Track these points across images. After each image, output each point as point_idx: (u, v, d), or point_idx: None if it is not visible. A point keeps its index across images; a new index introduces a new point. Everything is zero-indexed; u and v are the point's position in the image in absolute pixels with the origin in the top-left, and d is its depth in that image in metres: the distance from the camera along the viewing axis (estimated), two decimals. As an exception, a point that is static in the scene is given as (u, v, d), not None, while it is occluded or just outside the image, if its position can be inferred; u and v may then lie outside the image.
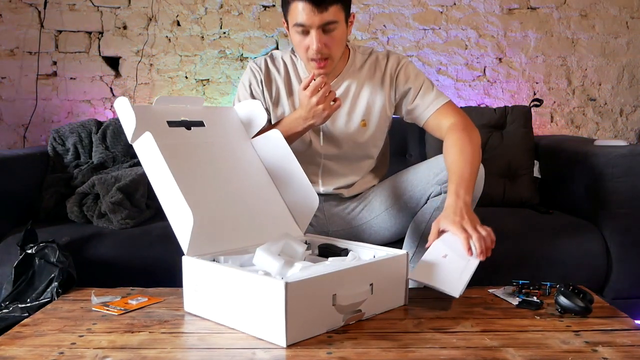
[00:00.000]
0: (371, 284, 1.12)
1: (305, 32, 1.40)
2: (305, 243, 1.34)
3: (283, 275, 1.14)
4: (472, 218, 1.23)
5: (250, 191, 1.36)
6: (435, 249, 1.24)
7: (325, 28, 1.39)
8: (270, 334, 1.01)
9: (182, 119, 1.36)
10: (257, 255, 1.19)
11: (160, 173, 1.19)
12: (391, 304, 1.19)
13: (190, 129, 1.35)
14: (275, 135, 1.40)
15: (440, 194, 1.40)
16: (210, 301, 1.13)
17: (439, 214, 1.39)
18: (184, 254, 1.17)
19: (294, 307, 0.99)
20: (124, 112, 1.26)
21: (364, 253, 1.26)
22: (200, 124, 1.37)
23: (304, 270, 1.11)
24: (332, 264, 1.16)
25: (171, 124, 1.32)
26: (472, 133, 1.43)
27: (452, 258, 1.21)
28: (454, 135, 1.42)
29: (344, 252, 1.27)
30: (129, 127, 1.25)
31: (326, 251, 1.30)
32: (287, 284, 0.97)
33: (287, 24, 1.44)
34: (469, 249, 1.18)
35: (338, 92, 1.54)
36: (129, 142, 1.25)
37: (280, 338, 0.99)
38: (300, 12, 1.36)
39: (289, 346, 0.98)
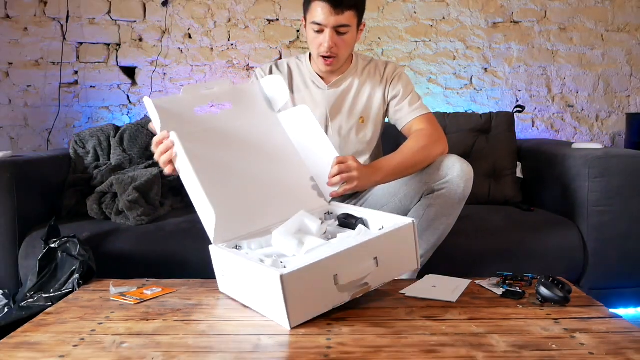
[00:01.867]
0: (375, 258, 1.08)
1: (320, 30, 1.43)
2: (329, 213, 1.31)
3: (298, 253, 1.12)
4: (364, 173, 1.32)
5: (277, 167, 1.32)
6: (425, 281, 1.28)
7: (338, 30, 1.43)
8: (277, 316, 1.02)
9: (210, 103, 1.33)
10: (273, 237, 1.18)
11: (186, 169, 1.18)
12: (402, 270, 1.15)
13: (218, 113, 1.33)
14: (303, 110, 1.35)
15: (432, 192, 1.40)
16: (234, 284, 1.14)
17: (432, 211, 1.40)
18: (211, 244, 1.17)
19: (293, 294, 0.97)
20: (151, 110, 1.24)
21: (374, 223, 1.22)
22: (227, 105, 1.35)
23: (309, 253, 1.09)
24: (335, 244, 1.10)
25: (198, 110, 1.30)
26: (432, 144, 1.43)
27: (442, 286, 1.24)
28: (413, 137, 1.46)
29: (358, 222, 1.23)
30: (156, 124, 1.23)
31: (344, 222, 1.26)
32: (282, 276, 0.95)
33: (305, 21, 1.48)
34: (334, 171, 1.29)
35: (341, 89, 1.57)
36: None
37: (284, 321, 1.00)
38: (319, 11, 1.40)
39: (292, 332, 0.98)
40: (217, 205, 1.12)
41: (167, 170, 1.22)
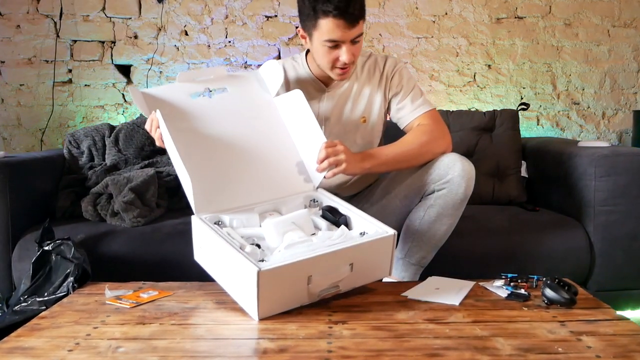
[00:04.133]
0: (351, 264, 1.12)
1: (337, 46, 1.40)
2: (314, 201, 1.34)
3: (279, 245, 1.17)
4: (353, 157, 1.35)
5: (267, 148, 1.36)
6: (428, 283, 1.28)
7: (354, 41, 1.40)
8: (247, 305, 1.06)
9: (206, 88, 1.37)
10: (264, 224, 1.21)
11: (168, 143, 1.23)
12: (374, 277, 1.20)
13: (212, 97, 1.36)
14: (296, 95, 1.38)
15: (433, 192, 1.40)
16: (211, 260, 1.18)
17: (433, 211, 1.40)
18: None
19: (267, 289, 1.02)
20: (137, 99, 1.29)
21: (356, 226, 1.24)
22: (223, 90, 1.38)
23: (288, 248, 1.12)
24: (315, 244, 1.13)
25: (194, 96, 1.34)
26: (433, 140, 1.43)
27: (445, 288, 1.24)
28: (415, 131, 1.47)
29: (341, 219, 1.26)
30: (144, 111, 1.29)
31: (327, 215, 1.28)
32: (259, 272, 1.00)
33: (310, 36, 1.41)
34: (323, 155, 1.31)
35: (340, 91, 1.55)
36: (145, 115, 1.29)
37: (253, 312, 1.04)
38: (334, 28, 1.36)
39: (291, 336, 0.98)
40: (194, 172, 1.16)
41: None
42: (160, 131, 1.27)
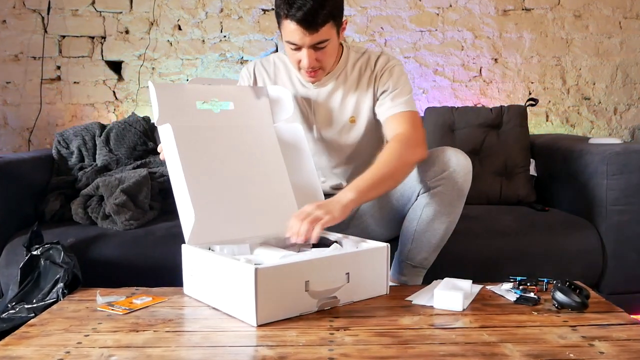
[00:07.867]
0: (347, 273, 1.16)
1: (297, 48, 1.40)
2: None
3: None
4: (327, 209, 1.21)
5: (262, 180, 1.39)
6: (434, 287, 1.27)
7: (316, 46, 1.39)
8: (245, 313, 1.07)
9: (213, 99, 1.39)
10: (256, 252, 1.25)
11: (175, 164, 1.26)
12: (371, 293, 1.22)
13: (218, 112, 1.39)
14: (297, 128, 1.43)
15: (429, 190, 1.39)
16: (202, 284, 1.20)
17: (430, 210, 1.39)
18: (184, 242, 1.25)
19: (264, 290, 1.04)
20: (153, 97, 1.31)
21: (349, 245, 1.28)
22: (228, 106, 1.41)
23: (283, 258, 1.16)
24: (310, 254, 1.19)
25: (199, 104, 1.37)
26: (409, 150, 1.38)
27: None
28: (388, 145, 1.40)
29: (333, 243, 1.31)
30: (155, 110, 1.30)
31: (318, 243, 1.32)
32: (257, 270, 1.02)
33: (281, 35, 1.44)
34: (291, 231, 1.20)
35: (326, 90, 1.55)
36: (155, 124, 1.31)
37: (251, 318, 1.05)
38: (292, 31, 1.36)
39: (291, 343, 0.98)
40: (198, 209, 1.21)
41: None
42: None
